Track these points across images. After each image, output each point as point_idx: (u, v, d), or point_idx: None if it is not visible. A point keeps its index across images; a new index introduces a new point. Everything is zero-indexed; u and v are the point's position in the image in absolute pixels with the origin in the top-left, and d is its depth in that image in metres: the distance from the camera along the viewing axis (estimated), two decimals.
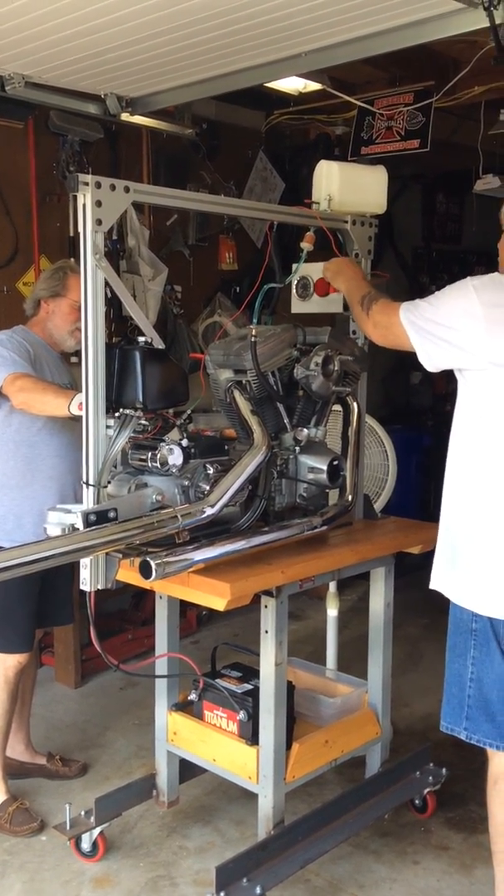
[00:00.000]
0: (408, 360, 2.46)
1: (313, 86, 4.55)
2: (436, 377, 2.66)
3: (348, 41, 3.02)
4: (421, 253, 7.35)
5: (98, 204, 2.23)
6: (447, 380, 2.45)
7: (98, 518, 2.20)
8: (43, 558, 2.09)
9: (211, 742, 2.83)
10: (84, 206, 2.23)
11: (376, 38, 2.96)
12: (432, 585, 2.47)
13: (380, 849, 3.00)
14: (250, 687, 2.81)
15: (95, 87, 3.61)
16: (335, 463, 2.72)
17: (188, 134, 4.68)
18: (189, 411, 2.52)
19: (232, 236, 5.50)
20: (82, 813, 2.91)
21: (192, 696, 2.90)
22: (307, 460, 2.71)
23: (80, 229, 2.26)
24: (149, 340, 2.41)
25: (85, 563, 2.30)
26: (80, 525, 2.19)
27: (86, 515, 2.19)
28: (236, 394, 2.60)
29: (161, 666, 3.01)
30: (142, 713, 3.88)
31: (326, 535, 2.79)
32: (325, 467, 2.69)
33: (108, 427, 2.33)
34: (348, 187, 2.87)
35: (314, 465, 2.70)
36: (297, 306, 3.06)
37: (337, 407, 2.93)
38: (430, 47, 3.87)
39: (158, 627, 3.02)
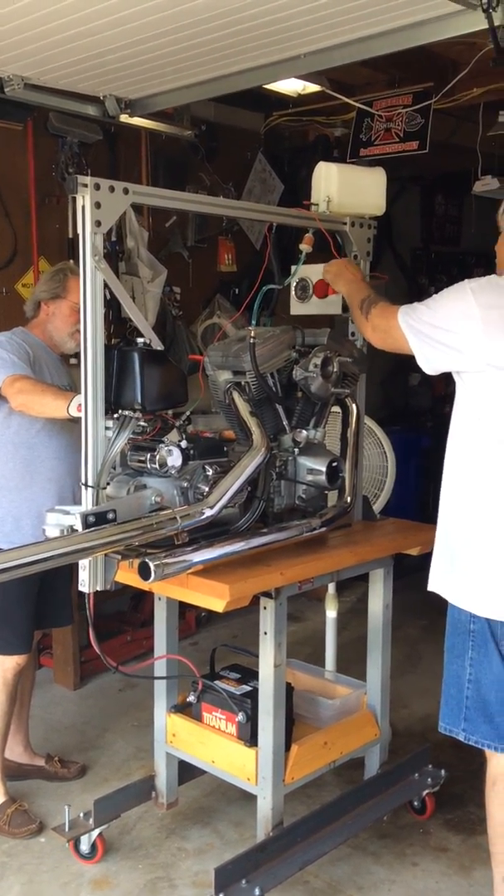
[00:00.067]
0: (407, 361, 2.47)
1: (312, 87, 4.55)
2: (435, 379, 2.66)
3: (347, 43, 3.02)
4: (420, 254, 7.35)
5: (97, 205, 2.23)
6: (446, 381, 2.45)
7: (97, 519, 2.20)
8: (41, 560, 2.09)
9: (210, 744, 2.83)
10: (83, 207, 2.24)
11: (375, 40, 2.97)
12: (430, 587, 2.47)
13: (379, 850, 3.00)
14: (249, 688, 2.80)
15: (94, 89, 3.61)
16: (334, 464, 2.72)
17: (187, 135, 4.68)
18: (188, 413, 2.53)
19: (231, 238, 5.50)
20: (81, 814, 2.91)
21: (191, 698, 2.90)
22: (306, 462, 2.71)
23: (79, 231, 2.26)
24: (148, 342, 2.42)
25: (84, 565, 2.30)
26: (78, 526, 2.19)
27: (85, 517, 2.19)
28: (235, 395, 2.60)
29: (160, 667, 3.01)
30: (141, 715, 3.88)
31: (325, 536, 2.79)
32: (323, 469, 2.69)
33: (107, 428, 2.33)
34: (347, 189, 2.87)
35: (313, 467, 2.70)
36: (296, 308, 3.07)
37: (336, 408, 2.93)
38: (429, 49, 3.88)
39: (157, 629, 3.02)
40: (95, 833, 2.89)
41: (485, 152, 4.75)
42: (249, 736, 2.70)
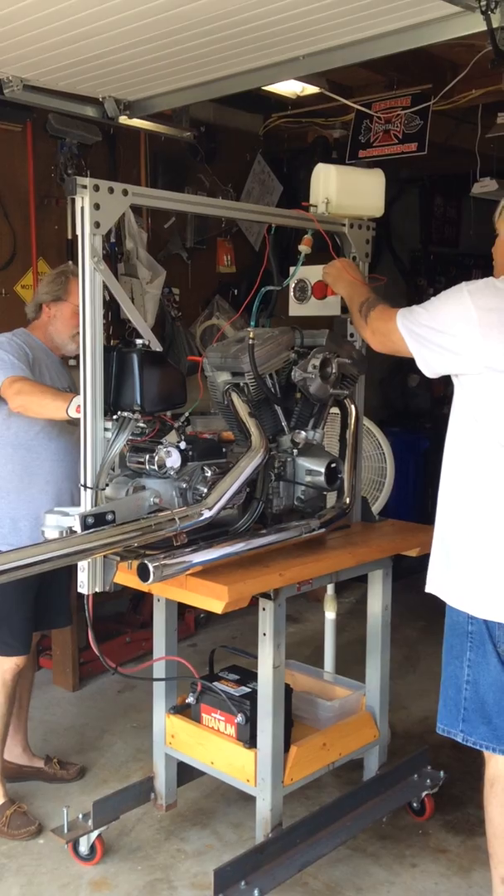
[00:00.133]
0: (405, 362, 2.47)
1: (311, 89, 4.56)
2: (434, 380, 2.65)
3: (346, 44, 3.02)
4: (418, 256, 7.35)
5: (96, 207, 2.23)
6: (445, 383, 2.45)
7: (96, 521, 2.20)
8: (40, 561, 2.09)
9: (209, 745, 2.83)
10: (82, 208, 2.24)
11: (374, 42, 2.97)
12: (428, 588, 2.47)
13: (378, 852, 3.00)
14: (248, 690, 2.80)
15: (94, 91, 3.61)
16: (333, 465, 2.72)
17: (186, 137, 4.68)
18: (187, 414, 2.53)
19: (230, 239, 5.51)
20: (80, 816, 2.91)
21: (190, 699, 2.90)
22: (305, 463, 2.71)
23: (79, 232, 2.26)
24: (146, 343, 2.42)
25: (83, 566, 2.30)
26: (77, 528, 2.19)
27: (83, 518, 2.19)
28: (234, 396, 2.60)
29: (159, 669, 3.01)
30: (140, 716, 3.88)
31: (324, 537, 2.79)
32: (322, 470, 2.69)
33: (105, 430, 2.33)
34: (346, 190, 2.87)
35: (312, 468, 2.70)
36: (295, 309, 3.07)
37: (335, 410, 2.93)
38: (428, 51, 3.89)
39: (156, 630, 3.02)
40: (94, 834, 2.89)
41: (483, 154, 4.75)
42: (248, 737, 2.70)
